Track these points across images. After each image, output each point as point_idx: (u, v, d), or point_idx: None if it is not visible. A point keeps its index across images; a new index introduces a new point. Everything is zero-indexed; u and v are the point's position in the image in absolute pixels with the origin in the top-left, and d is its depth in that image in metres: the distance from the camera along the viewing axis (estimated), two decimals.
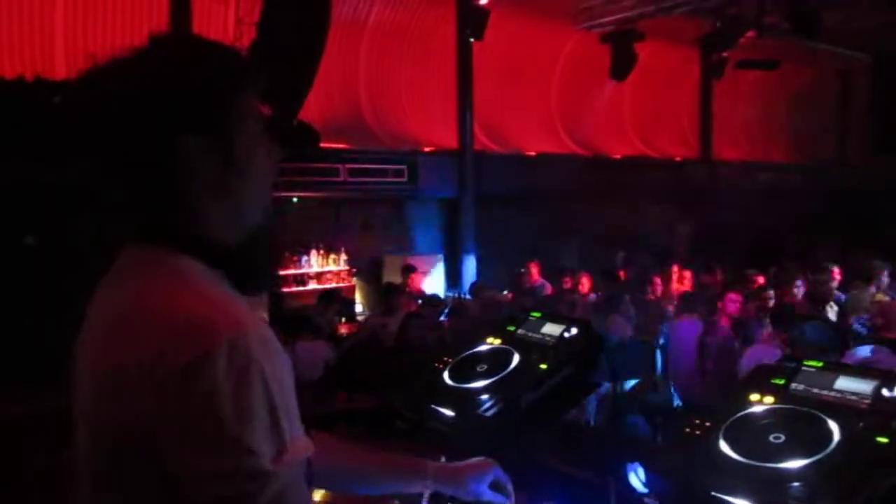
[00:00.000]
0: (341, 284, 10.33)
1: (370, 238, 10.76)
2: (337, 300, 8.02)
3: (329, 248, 10.37)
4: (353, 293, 10.50)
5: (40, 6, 8.29)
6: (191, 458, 1.02)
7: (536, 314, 2.15)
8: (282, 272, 9.43)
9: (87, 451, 1.20)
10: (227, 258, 1.17)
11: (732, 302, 5.91)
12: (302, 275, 10.10)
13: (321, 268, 10.34)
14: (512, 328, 2.13)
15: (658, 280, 8.19)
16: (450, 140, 11.17)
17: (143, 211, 1.16)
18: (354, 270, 10.59)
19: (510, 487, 1.63)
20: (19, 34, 8.19)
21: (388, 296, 7.04)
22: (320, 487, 1.68)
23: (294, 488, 1.06)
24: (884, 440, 1.29)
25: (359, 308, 10.54)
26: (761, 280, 7.62)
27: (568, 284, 8.60)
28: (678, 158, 14.42)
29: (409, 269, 8.66)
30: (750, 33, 11.03)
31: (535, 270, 8.93)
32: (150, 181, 1.12)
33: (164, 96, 1.10)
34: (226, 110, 1.14)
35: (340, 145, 10.34)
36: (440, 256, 11.05)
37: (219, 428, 1.00)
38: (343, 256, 10.52)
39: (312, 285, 10.13)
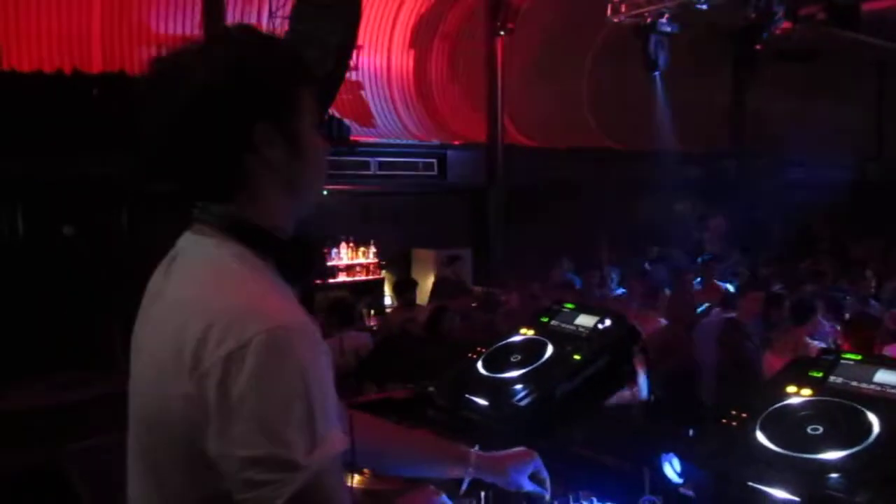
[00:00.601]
0: (370, 277, 10.40)
1: (399, 231, 10.79)
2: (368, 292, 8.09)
3: (358, 242, 10.44)
4: (383, 286, 10.57)
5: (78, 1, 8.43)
6: (225, 444, 1.05)
7: (570, 306, 2.16)
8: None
9: (133, 432, 1.25)
10: (282, 246, 1.21)
11: (753, 300, 5.84)
12: (332, 267, 10.18)
13: (351, 261, 10.41)
14: (546, 319, 2.14)
15: (688, 276, 8.17)
16: (479, 133, 11.16)
17: (208, 197, 1.20)
18: (384, 263, 10.65)
19: (548, 480, 1.65)
20: (58, 28, 8.33)
21: (408, 290, 7.09)
22: (363, 466, 1.71)
23: (328, 481, 1.08)
24: None
25: (388, 301, 10.61)
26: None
27: (595, 280, 8.59)
28: (710, 152, 14.25)
29: (453, 260, 8.72)
30: (785, 25, 10.85)
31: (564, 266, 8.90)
32: (225, 167, 1.17)
33: (244, 85, 1.15)
34: (293, 102, 1.19)
35: (370, 138, 10.39)
36: (468, 250, 11.05)
37: (254, 417, 1.03)
38: (372, 249, 10.59)
39: (342, 278, 10.21)
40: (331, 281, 10.05)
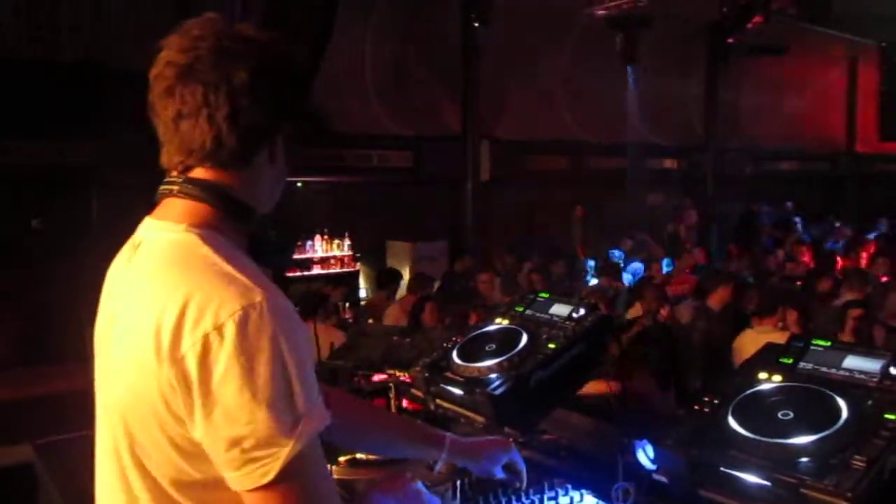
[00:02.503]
0: (345, 269, 10.37)
1: (374, 223, 10.76)
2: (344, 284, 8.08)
3: (333, 234, 10.40)
4: (357, 278, 10.55)
5: None
6: (209, 425, 1.05)
7: (545, 294, 2.16)
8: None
9: (106, 427, 1.23)
10: (259, 224, 1.25)
11: (724, 290, 5.89)
12: (306, 259, 10.14)
13: (326, 253, 10.37)
14: (521, 308, 2.14)
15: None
16: (455, 125, 11.14)
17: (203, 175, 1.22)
18: (358, 255, 10.62)
19: (524, 471, 1.66)
20: (26, 14, 8.17)
21: (392, 281, 7.11)
22: (340, 445, 1.70)
23: (310, 457, 1.08)
24: (892, 417, 1.30)
25: (363, 293, 10.59)
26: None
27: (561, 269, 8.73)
28: (683, 145, 14.37)
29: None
30: (758, 19, 10.97)
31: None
32: (248, 151, 1.21)
33: (288, 84, 1.23)
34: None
35: (345, 130, 10.33)
36: (444, 242, 11.04)
37: (237, 396, 1.03)
38: (347, 241, 10.55)
39: (317, 270, 10.17)
40: (305, 273, 10.01)
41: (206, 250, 1.15)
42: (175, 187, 1.22)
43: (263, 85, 1.17)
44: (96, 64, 8.19)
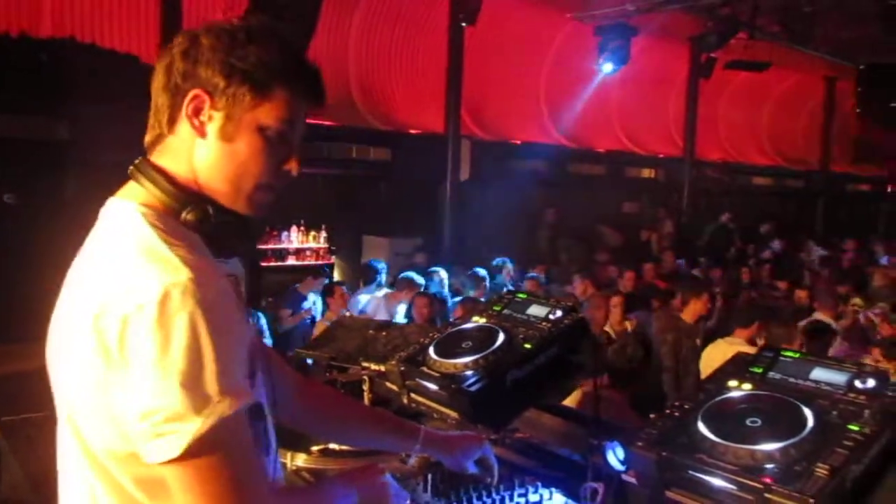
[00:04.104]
0: (320, 262, 10.33)
1: (351, 217, 10.73)
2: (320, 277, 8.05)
3: (309, 225, 10.36)
4: (332, 271, 10.51)
5: None
6: (124, 398, 1.08)
7: (523, 295, 2.19)
8: (262, 246, 9.43)
9: (56, 396, 1.27)
10: (217, 215, 1.24)
11: (698, 303, 5.94)
12: (281, 250, 10.09)
13: (301, 244, 10.33)
14: (498, 308, 2.16)
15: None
16: (436, 123, 11.15)
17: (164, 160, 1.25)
18: (334, 248, 10.59)
19: (496, 466, 1.68)
20: None
21: (373, 274, 7.11)
22: (314, 434, 1.72)
23: (225, 436, 1.09)
24: (855, 428, 1.34)
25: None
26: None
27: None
28: (662, 156, 14.53)
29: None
30: (741, 34, 11.12)
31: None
32: (175, 107, 1.23)
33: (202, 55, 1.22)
34: (243, 90, 1.23)
35: (325, 122, 10.29)
36: (419, 239, 11.05)
37: (148, 371, 1.06)
38: (323, 234, 10.52)
39: (291, 261, 10.14)
40: (280, 263, 9.96)
41: (145, 229, 1.17)
42: (132, 168, 1.26)
43: (199, 46, 1.20)
44: (73, 40, 8.10)
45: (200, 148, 1.22)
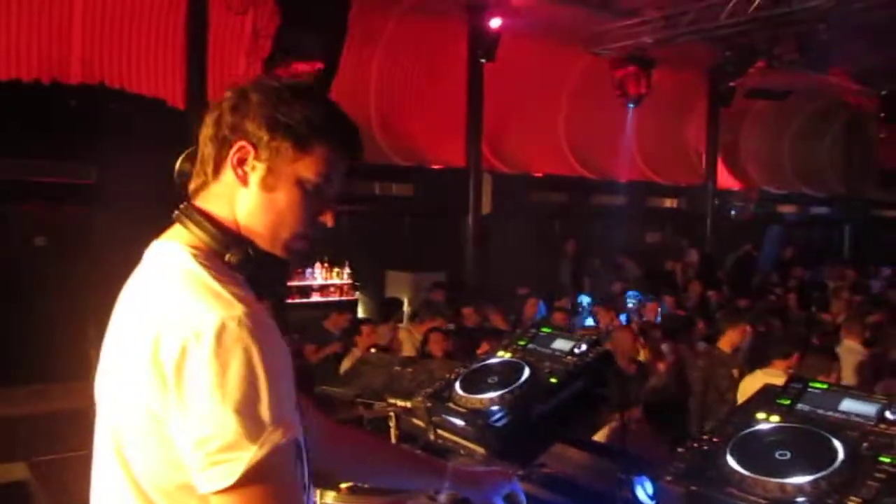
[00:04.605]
0: (344, 297, 10.38)
1: (374, 253, 10.79)
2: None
3: (333, 262, 10.43)
4: (356, 307, 10.55)
5: (59, 10, 8.39)
6: (181, 427, 1.11)
7: (547, 329, 2.19)
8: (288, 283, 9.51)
9: (101, 434, 1.29)
10: (249, 252, 1.28)
11: (735, 332, 5.87)
12: (306, 287, 10.16)
13: (325, 280, 10.39)
14: (523, 342, 2.17)
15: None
16: (457, 158, 11.24)
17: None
18: (357, 284, 10.64)
19: (524, 502, 1.67)
20: (38, 38, 8.29)
21: (396, 309, 7.15)
22: (342, 476, 1.73)
23: (277, 467, 1.12)
24: (887, 460, 1.33)
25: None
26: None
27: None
28: (683, 185, 14.48)
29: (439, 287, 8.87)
30: (760, 64, 11.13)
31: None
32: (220, 156, 1.29)
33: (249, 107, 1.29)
34: (286, 145, 1.30)
35: None
36: (442, 274, 11.07)
37: (205, 400, 1.09)
38: (346, 270, 10.58)
39: (316, 297, 10.19)
40: (304, 300, 10.02)
41: (194, 267, 1.22)
42: (177, 213, 1.32)
43: (247, 101, 1.27)
44: (103, 86, 8.31)
45: (242, 196, 1.28)
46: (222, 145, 1.27)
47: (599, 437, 3.26)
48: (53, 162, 7.87)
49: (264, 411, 1.10)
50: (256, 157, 1.26)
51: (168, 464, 1.16)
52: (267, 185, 1.27)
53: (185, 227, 1.29)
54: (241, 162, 1.26)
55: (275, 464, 1.11)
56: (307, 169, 1.27)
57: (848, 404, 1.51)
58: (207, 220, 1.28)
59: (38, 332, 6.75)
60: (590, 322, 8.41)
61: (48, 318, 6.72)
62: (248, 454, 1.08)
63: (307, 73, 7.43)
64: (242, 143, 1.26)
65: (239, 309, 1.13)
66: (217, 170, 1.29)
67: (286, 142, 1.25)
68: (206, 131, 1.30)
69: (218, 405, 1.08)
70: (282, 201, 1.27)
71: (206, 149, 1.30)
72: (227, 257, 1.25)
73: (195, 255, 1.24)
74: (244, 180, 1.27)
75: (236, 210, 1.29)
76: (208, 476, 1.09)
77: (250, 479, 1.08)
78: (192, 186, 1.33)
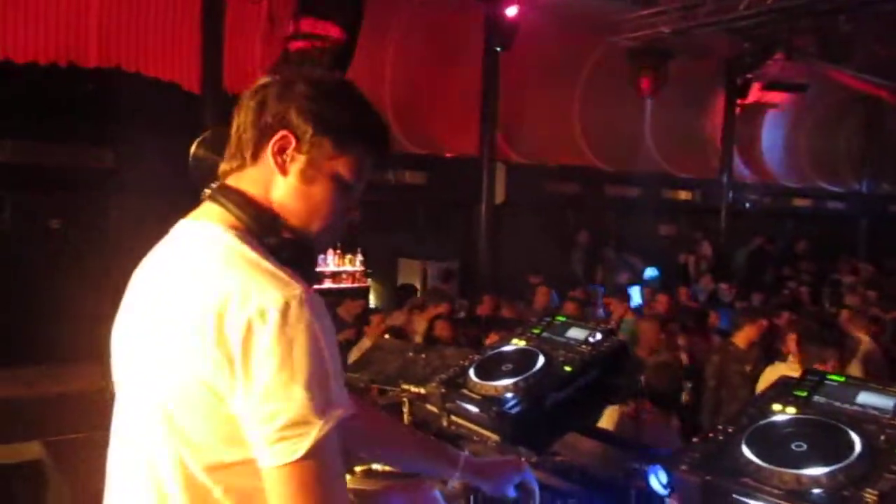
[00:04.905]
0: (356, 285, 10.42)
1: (386, 240, 10.81)
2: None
3: (345, 249, 10.45)
4: (368, 294, 10.58)
5: None
6: (248, 400, 1.13)
7: (562, 318, 2.19)
8: None
9: (131, 414, 1.29)
10: (285, 236, 1.31)
11: (752, 328, 5.83)
12: (318, 272, 10.18)
13: (337, 267, 10.42)
14: (537, 331, 2.16)
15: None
16: (471, 147, 11.22)
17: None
18: (370, 272, 10.67)
19: (536, 490, 1.68)
20: (55, 21, 8.32)
21: (410, 295, 7.16)
22: (359, 453, 1.74)
23: (334, 442, 1.15)
24: None
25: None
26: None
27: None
28: (698, 177, 14.40)
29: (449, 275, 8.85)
30: (778, 56, 11.03)
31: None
32: (262, 139, 1.32)
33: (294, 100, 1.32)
34: (328, 143, 1.34)
35: None
36: (455, 262, 11.08)
37: (275, 375, 1.11)
38: (359, 257, 10.60)
39: (328, 284, 10.22)
40: (316, 287, 10.04)
41: (244, 248, 1.24)
42: (209, 191, 1.33)
43: (293, 92, 1.30)
44: (119, 69, 8.34)
45: (279, 184, 1.31)
46: (264, 131, 1.29)
47: (608, 420, 3.25)
48: (69, 146, 7.91)
49: (328, 387, 1.14)
50: (297, 149, 1.29)
51: (226, 442, 1.18)
52: (305, 177, 1.30)
53: (223, 206, 1.30)
54: (282, 150, 1.29)
55: (334, 439, 1.14)
56: (344, 167, 1.32)
57: (865, 397, 1.50)
58: (245, 201, 1.30)
59: (53, 313, 6.81)
60: (601, 313, 8.41)
61: (63, 301, 6.77)
62: (315, 429, 1.11)
63: (322, 53, 7.39)
64: (285, 132, 1.28)
65: (298, 288, 1.16)
66: (256, 155, 1.31)
67: (328, 138, 1.29)
68: (248, 115, 1.31)
69: (286, 381, 1.11)
70: (318, 194, 1.31)
71: (245, 133, 1.31)
72: (266, 239, 1.27)
73: (239, 237, 1.25)
74: (283, 169, 1.30)
75: (271, 195, 1.31)
76: (275, 450, 1.12)
77: (314, 453, 1.11)
78: (224, 167, 1.35)
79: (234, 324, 1.13)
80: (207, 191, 1.34)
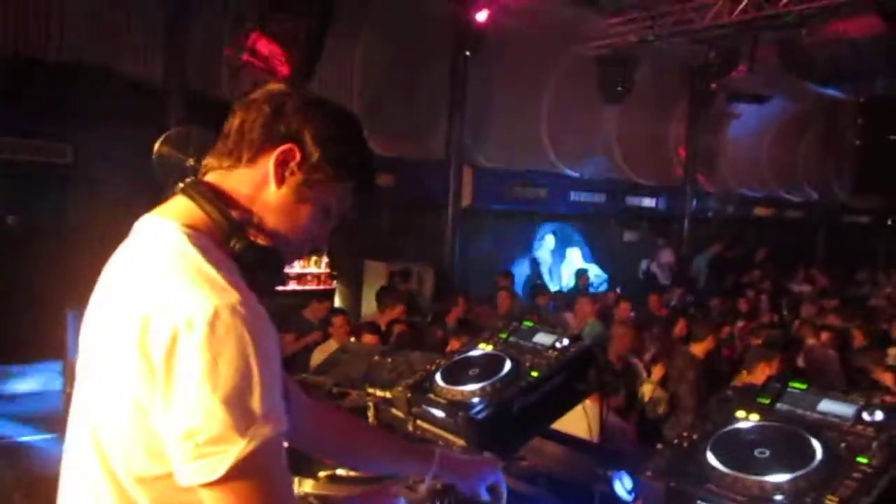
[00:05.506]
0: (321, 287, 10.32)
1: (352, 242, 10.75)
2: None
3: (311, 250, 10.37)
4: (333, 296, 10.50)
5: None
6: (168, 416, 1.08)
7: (529, 323, 2.20)
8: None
9: (76, 414, 1.27)
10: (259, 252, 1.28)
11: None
12: (283, 277, 10.08)
13: (302, 269, 10.33)
14: (504, 335, 2.17)
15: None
16: (438, 150, 11.22)
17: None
18: (335, 273, 10.59)
19: (505, 494, 1.67)
20: (14, 13, 8.12)
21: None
22: (329, 458, 1.71)
23: (266, 459, 1.10)
24: (864, 460, 1.35)
25: None
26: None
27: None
28: (661, 185, 14.57)
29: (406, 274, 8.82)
30: (742, 67, 11.23)
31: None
32: (265, 142, 1.30)
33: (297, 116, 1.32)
34: (318, 161, 1.34)
35: None
36: (423, 265, 11.05)
37: (196, 390, 1.06)
38: (324, 259, 10.52)
39: (292, 286, 10.12)
40: (281, 289, 9.94)
41: (190, 250, 1.19)
42: (182, 185, 1.29)
43: (312, 112, 1.30)
44: (78, 65, 8.17)
45: (270, 192, 1.29)
46: (273, 138, 1.28)
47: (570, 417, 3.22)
48: (27, 140, 7.74)
49: (255, 404, 1.08)
50: (298, 166, 1.29)
51: (150, 454, 1.13)
52: (298, 195, 1.30)
53: (194, 200, 1.26)
54: (284, 163, 1.28)
55: (263, 458, 1.09)
56: (336, 196, 1.34)
57: (826, 405, 1.53)
58: (223, 200, 1.27)
59: (9, 312, 6.64)
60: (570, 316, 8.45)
61: (20, 299, 6.61)
62: (237, 448, 1.06)
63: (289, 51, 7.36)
64: (293, 147, 1.28)
65: (233, 296, 1.11)
66: (255, 158, 1.29)
67: (331, 167, 1.30)
68: (259, 117, 1.29)
69: (208, 396, 1.05)
70: (303, 214, 1.31)
71: (251, 133, 1.29)
72: (231, 243, 1.25)
73: (191, 236, 1.21)
74: (280, 180, 1.28)
75: (257, 200, 1.29)
76: (194, 468, 1.07)
77: (238, 473, 1.06)
78: (211, 162, 1.32)
79: (158, 333, 1.08)
80: (181, 185, 1.30)
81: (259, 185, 1.29)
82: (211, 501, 1.09)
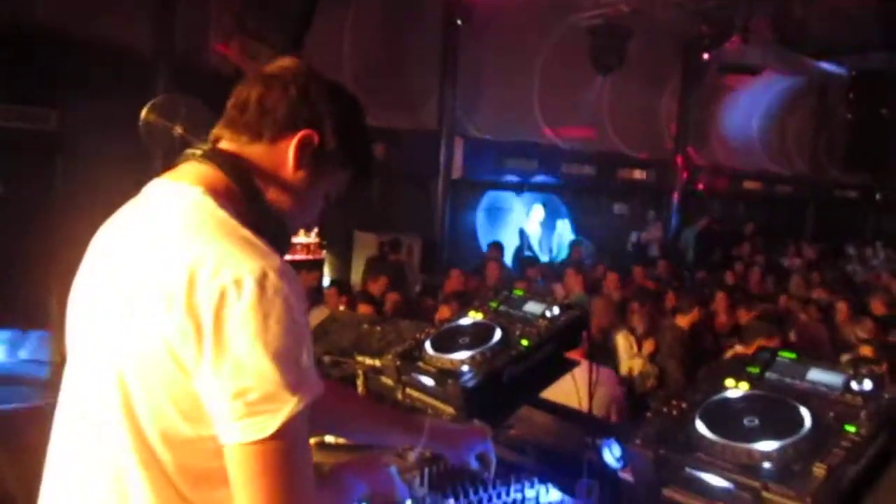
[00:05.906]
0: (311, 257, 10.30)
1: (342, 212, 10.71)
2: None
3: None
4: (322, 266, 10.48)
5: None
6: (217, 374, 1.08)
7: (519, 292, 2.19)
8: None
9: (84, 380, 1.24)
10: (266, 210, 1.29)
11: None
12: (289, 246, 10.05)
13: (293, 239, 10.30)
14: (495, 304, 2.16)
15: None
16: (430, 121, 11.15)
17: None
18: (325, 244, 10.56)
19: (494, 462, 1.68)
20: None
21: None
22: (317, 426, 1.71)
23: (303, 420, 1.11)
24: (851, 429, 1.36)
25: (326, 282, 10.52)
26: None
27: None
28: (653, 158, 14.55)
29: (396, 245, 8.84)
30: (735, 39, 11.16)
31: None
32: (290, 120, 1.29)
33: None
34: (333, 146, 1.35)
35: None
36: (413, 236, 11.04)
37: (248, 348, 1.07)
38: (314, 229, 10.47)
39: None
40: None
41: (222, 214, 1.19)
42: (199, 151, 1.29)
43: (342, 102, 1.33)
44: (65, 30, 8.04)
45: (287, 172, 1.30)
46: (298, 117, 1.28)
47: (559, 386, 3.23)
48: (11, 107, 7.64)
49: (304, 363, 1.10)
50: (314, 152, 1.29)
51: (183, 416, 1.13)
52: (310, 179, 1.31)
53: (221, 169, 1.25)
54: (304, 147, 1.28)
55: (304, 417, 1.10)
56: (335, 184, 1.38)
57: (815, 374, 1.53)
58: (247, 168, 1.27)
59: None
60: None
61: (6, 267, 6.56)
62: (288, 406, 1.07)
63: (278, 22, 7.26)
64: (315, 133, 1.28)
65: (276, 260, 1.13)
66: (276, 138, 1.28)
67: (342, 157, 1.33)
68: (285, 95, 1.28)
69: (260, 355, 1.06)
70: (310, 197, 1.34)
71: (275, 112, 1.27)
72: (255, 211, 1.25)
73: (218, 202, 1.21)
74: (298, 163, 1.29)
75: (273, 177, 1.29)
76: (243, 426, 1.07)
77: (283, 433, 1.07)
78: (225, 132, 1.30)
79: (206, 292, 1.08)
80: (196, 150, 1.30)
81: (278, 164, 1.29)
82: (250, 462, 1.08)
